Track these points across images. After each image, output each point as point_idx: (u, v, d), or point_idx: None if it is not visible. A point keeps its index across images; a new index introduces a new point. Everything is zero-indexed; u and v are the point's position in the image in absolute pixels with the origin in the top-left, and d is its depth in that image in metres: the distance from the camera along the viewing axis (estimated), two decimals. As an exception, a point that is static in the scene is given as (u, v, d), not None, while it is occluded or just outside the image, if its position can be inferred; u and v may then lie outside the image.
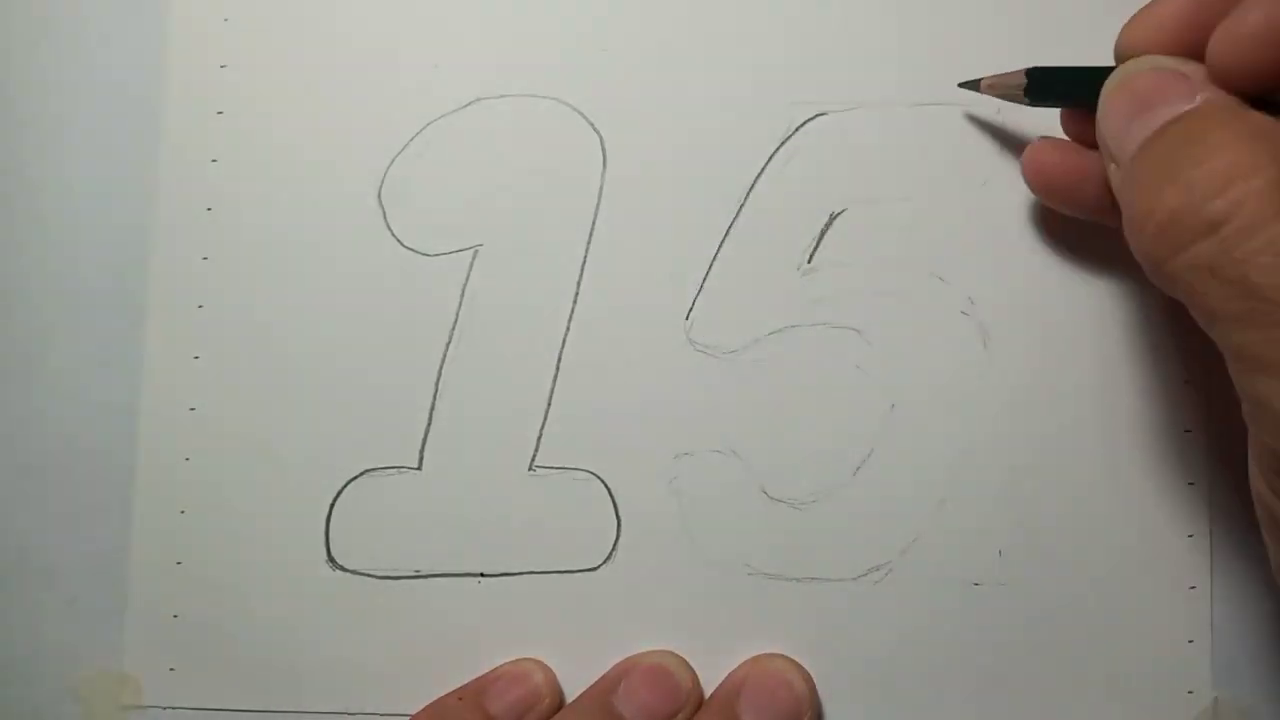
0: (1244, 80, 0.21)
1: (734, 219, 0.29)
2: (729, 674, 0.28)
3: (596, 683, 0.28)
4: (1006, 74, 0.26)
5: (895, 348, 0.28)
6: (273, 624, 0.29)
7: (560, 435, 0.29)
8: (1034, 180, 0.27)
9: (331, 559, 0.29)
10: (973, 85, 0.27)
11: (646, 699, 0.27)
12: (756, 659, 0.28)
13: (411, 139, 0.30)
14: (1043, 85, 0.25)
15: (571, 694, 0.28)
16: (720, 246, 0.29)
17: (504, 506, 0.29)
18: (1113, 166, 0.23)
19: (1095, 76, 0.24)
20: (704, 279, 0.29)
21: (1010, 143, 0.29)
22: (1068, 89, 0.25)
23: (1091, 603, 0.28)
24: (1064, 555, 0.28)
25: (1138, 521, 0.28)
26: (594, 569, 0.28)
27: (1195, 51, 0.22)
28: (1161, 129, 0.21)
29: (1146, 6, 0.24)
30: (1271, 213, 0.19)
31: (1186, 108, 0.21)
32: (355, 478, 0.29)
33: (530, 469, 0.29)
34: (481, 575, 0.29)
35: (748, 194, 0.29)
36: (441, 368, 0.29)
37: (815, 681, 0.27)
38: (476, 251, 0.30)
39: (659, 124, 0.29)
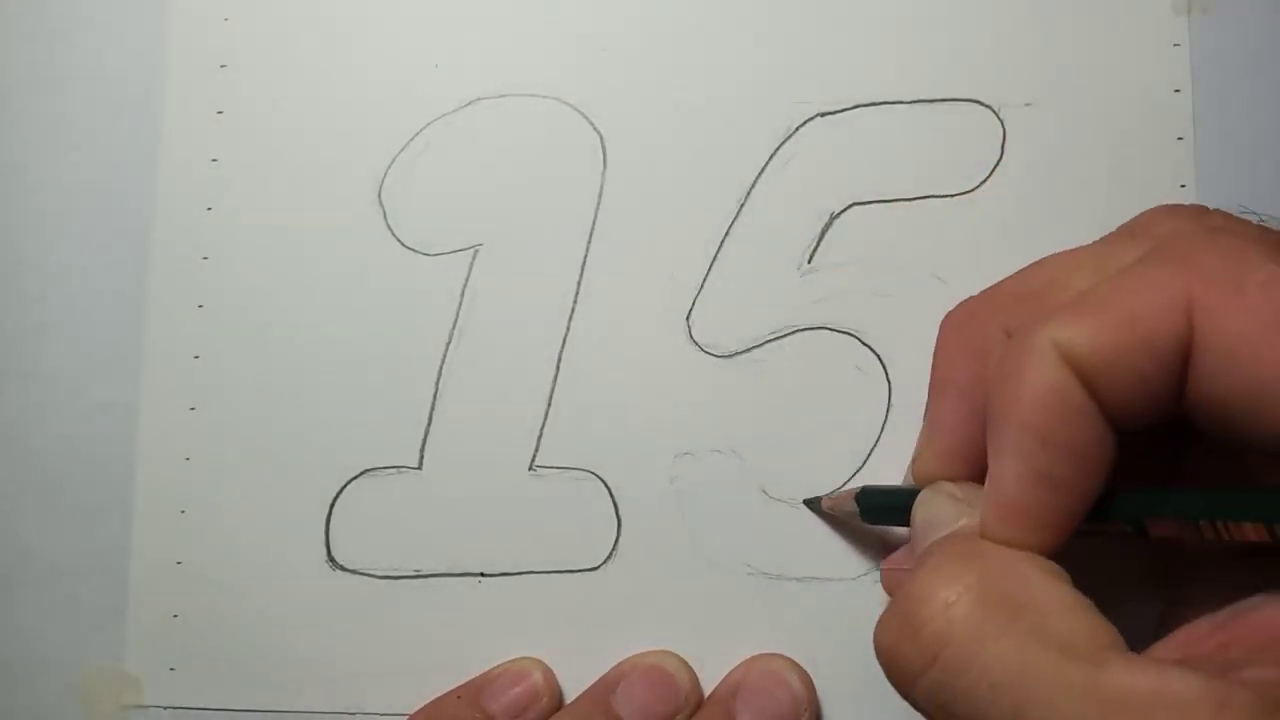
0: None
1: (734, 219, 0.29)
2: (727, 674, 0.28)
3: (596, 683, 0.28)
4: (841, 495, 0.27)
5: (895, 348, 0.28)
6: (273, 624, 0.29)
7: (560, 435, 0.29)
8: (891, 591, 0.26)
9: (331, 559, 0.29)
10: (814, 504, 0.28)
11: (645, 699, 0.27)
12: (755, 659, 0.28)
13: (411, 139, 0.30)
14: (871, 506, 0.26)
15: (571, 694, 0.28)
16: (720, 246, 0.29)
17: (504, 506, 0.29)
18: None
19: (912, 499, 0.24)
20: (704, 279, 0.29)
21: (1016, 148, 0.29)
22: (893, 513, 0.25)
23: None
24: (1062, 555, 0.28)
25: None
26: (594, 569, 0.28)
27: (983, 462, 0.23)
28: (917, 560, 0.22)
29: (922, 441, 0.24)
30: (979, 640, 0.19)
31: (940, 534, 0.22)
32: (355, 478, 0.29)
33: (530, 469, 0.29)
34: (481, 575, 0.29)
35: (748, 194, 0.29)
36: (441, 368, 0.29)
37: (814, 681, 0.27)
38: (476, 251, 0.29)
39: (659, 124, 0.29)
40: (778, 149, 0.29)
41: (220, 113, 0.30)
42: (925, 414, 0.25)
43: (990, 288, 0.24)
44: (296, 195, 0.30)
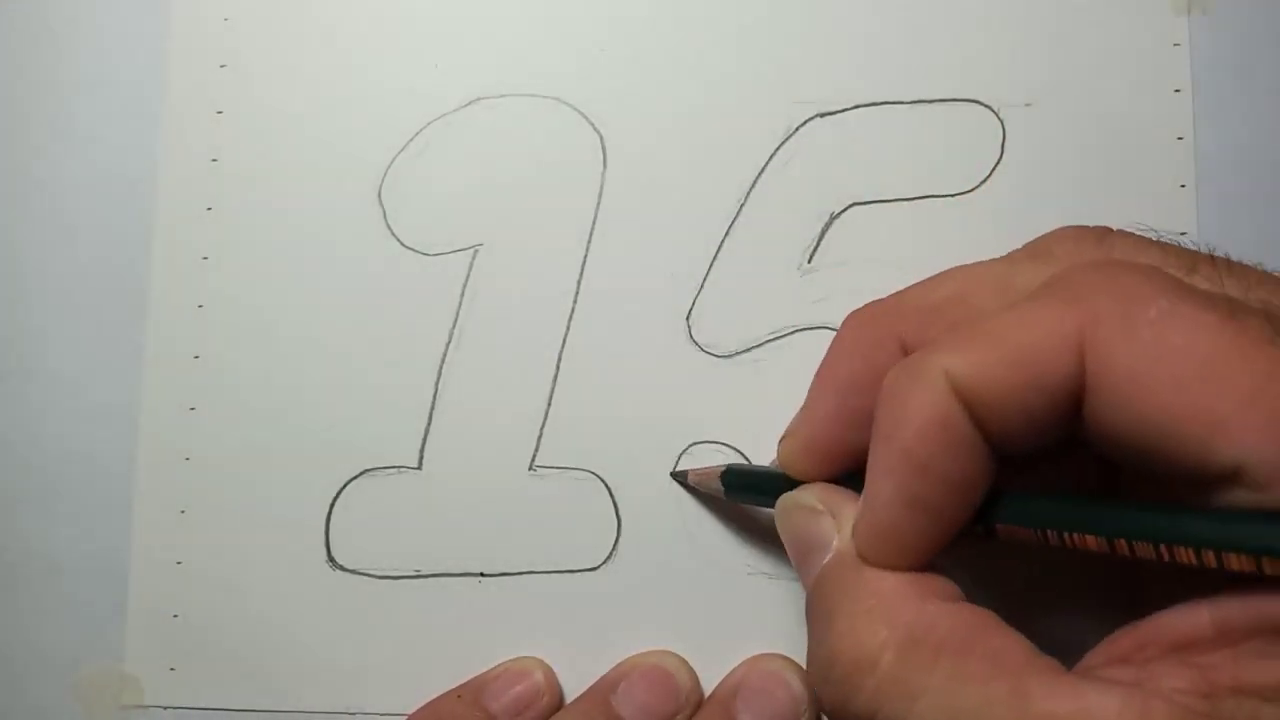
0: (825, 477, 0.24)
1: (734, 219, 0.29)
2: (727, 674, 0.28)
3: (596, 683, 0.28)
4: (708, 469, 0.27)
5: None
6: (273, 624, 0.29)
7: (560, 435, 0.29)
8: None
9: (331, 559, 0.29)
10: (681, 477, 0.28)
11: (645, 699, 0.27)
12: (754, 659, 0.28)
13: (411, 138, 0.30)
14: (736, 484, 0.26)
15: (571, 694, 0.28)
16: (720, 246, 0.29)
17: (504, 506, 0.29)
18: None
19: (776, 482, 0.25)
20: (704, 279, 0.29)
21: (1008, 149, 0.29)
22: (757, 494, 0.26)
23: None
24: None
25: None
26: (594, 569, 0.28)
27: (848, 461, 0.23)
28: (810, 595, 0.22)
29: (795, 425, 0.25)
30: (908, 698, 0.19)
31: (825, 559, 0.22)
32: (355, 478, 0.29)
33: (530, 469, 0.29)
34: (481, 575, 0.29)
35: (748, 194, 0.29)
36: (441, 368, 0.29)
37: (815, 682, 0.27)
38: (476, 251, 0.29)
39: (659, 124, 0.29)
40: (778, 149, 0.29)
41: (220, 113, 0.30)
42: (808, 396, 0.25)
43: (895, 294, 0.24)
44: (296, 195, 0.30)
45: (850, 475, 0.23)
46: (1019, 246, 0.24)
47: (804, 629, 0.28)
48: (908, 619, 0.20)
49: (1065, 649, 0.20)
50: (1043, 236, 0.23)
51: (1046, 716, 0.18)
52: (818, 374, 0.25)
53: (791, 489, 0.24)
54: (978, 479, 0.20)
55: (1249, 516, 0.18)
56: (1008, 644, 0.19)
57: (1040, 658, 0.19)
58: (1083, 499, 0.20)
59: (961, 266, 0.24)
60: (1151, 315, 0.19)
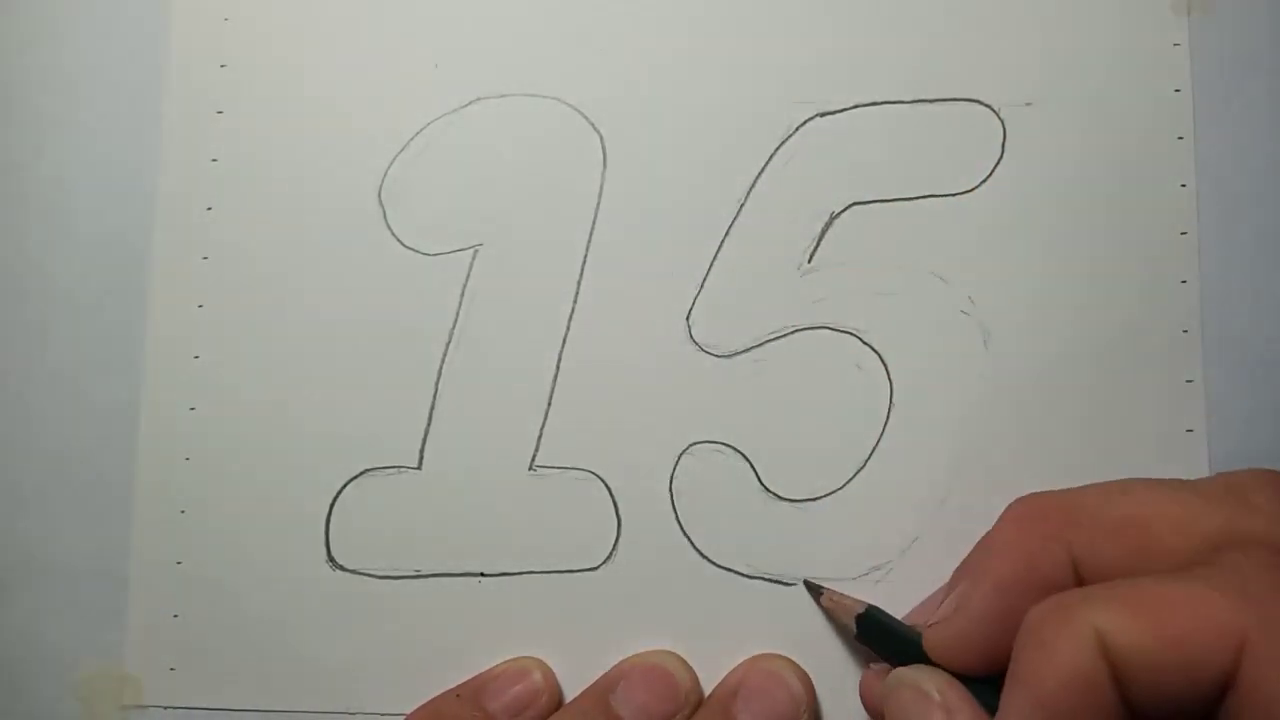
0: (966, 671, 0.23)
1: (734, 219, 0.29)
2: (727, 674, 0.28)
3: (595, 682, 0.28)
4: (846, 598, 0.27)
5: (895, 348, 0.28)
6: (273, 624, 0.29)
7: (560, 435, 0.29)
8: (869, 707, 0.27)
9: (331, 559, 0.29)
10: (815, 589, 0.28)
11: (645, 699, 0.27)
12: (754, 659, 0.28)
13: (411, 139, 0.30)
14: (870, 628, 0.26)
15: (571, 694, 0.28)
16: (720, 246, 0.29)
17: (504, 506, 0.29)
18: None
19: (908, 650, 0.25)
20: (704, 279, 0.29)
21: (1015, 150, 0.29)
22: (886, 647, 0.26)
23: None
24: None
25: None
26: (594, 569, 0.28)
27: (990, 666, 0.23)
28: None
29: (949, 612, 0.24)
30: None
31: None
32: (355, 477, 0.29)
33: (530, 469, 0.29)
34: (481, 575, 0.29)
35: (748, 194, 0.29)
36: (441, 368, 0.29)
37: (814, 681, 0.27)
38: (476, 251, 0.30)
39: (659, 124, 0.29)
40: (778, 149, 0.29)
41: (220, 113, 0.30)
42: (962, 585, 0.24)
43: (1069, 493, 0.24)
44: (296, 195, 0.30)
45: (997, 673, 0.23)
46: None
47: (804, 629, 0.28)
48: None
49: None
50: (1240, 474, 0.23)
51: None
52: (976, 560, 0.25)
53: (917, 657, 0.24)
54: None
55: None
56: None
57: None
58: None
59: (1145, 482, 0.24)
60: None
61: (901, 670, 0.24)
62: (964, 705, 0.23)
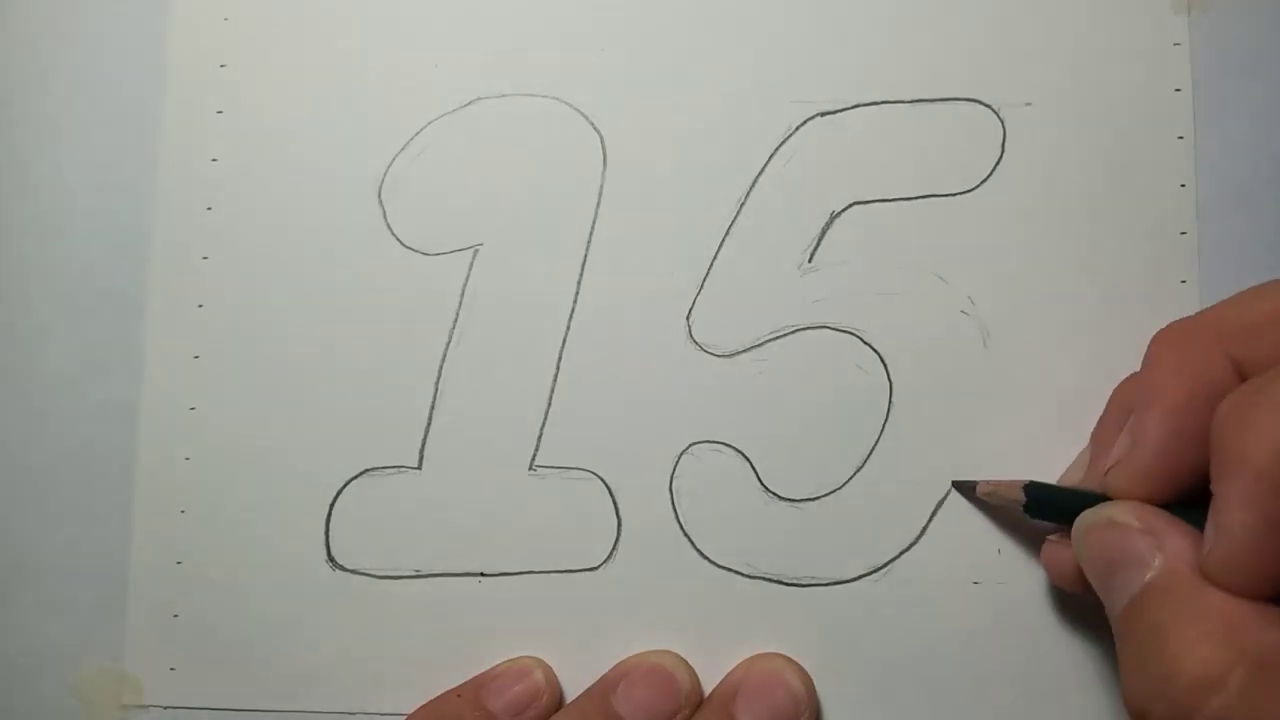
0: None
1: (734, 219, 0.29)
2: (727, 674, 0.28)
3: (596, 682, 0.28)
4: (1004, 482, 0.26)
5: (895, 348, 0.28)
6: (273, 624, 0.29)
7: (560, 435, 0.29)
8: (1056, 577, 0.26)
9: (331, 559, 0.29)
10: (965, 487, 0.28)
11: (645, 699, 0.27)
12: (754, 659, 0.28)
13: (411, 139, 0.30)
14: (1040, 501, 0.25)
15: (571, 694, 0.28)
16: (720, 246, 0.29)
17: (504, 506, 0.29)
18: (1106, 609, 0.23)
19: (1087, 501, 0.24)
20: (704, 279, 0.29)
21: (1014, 151, 0.29)
22: (1060, 513, 0.25)
23: (1091, 602, 0.28)
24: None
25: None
26: (594, 569, 0.28)
27: (1184, 482, 0.23)
28: (1131, 612, 0.22)
29: (1125, 450, 0.24)
30: (1254, 718, 0.19)
31: (1148, 575, 0.22)
32: (355, 477, 0.29)
33: (530, 469, 0.29)
34: (481, 575, 0.29)
35: (748, 194, 0.29)
36: (441, 368, 0.29)
37: (814, 681, 0.27)
38: (476, 251, 0.30)
39: (659, 124, 0.29)
40: (778, 149, 0.29)
41: (220, 113, 0.30)
42: (1133, 420, 0.24)
43: (1208, 311, 0.24)
44: (296, 195, 0.30)
45: (1180, 499, 0.23)
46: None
47: (804, 629, 0.28)
48: (1256, 644, 0.20)
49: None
50: None
51: None
52: (1140, 397, 0.24)
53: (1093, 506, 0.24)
54: None
55: None
56: None
57: None
58: None
59: (1275, 282, 0.23)
60: None
61: (1088, 512, 0.24)
62: (1164, 522, 0.22)
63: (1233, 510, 0.20)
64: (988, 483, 0.27)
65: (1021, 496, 0.25)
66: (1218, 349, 0.23)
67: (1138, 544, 0.22)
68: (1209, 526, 0.21)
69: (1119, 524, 0.23)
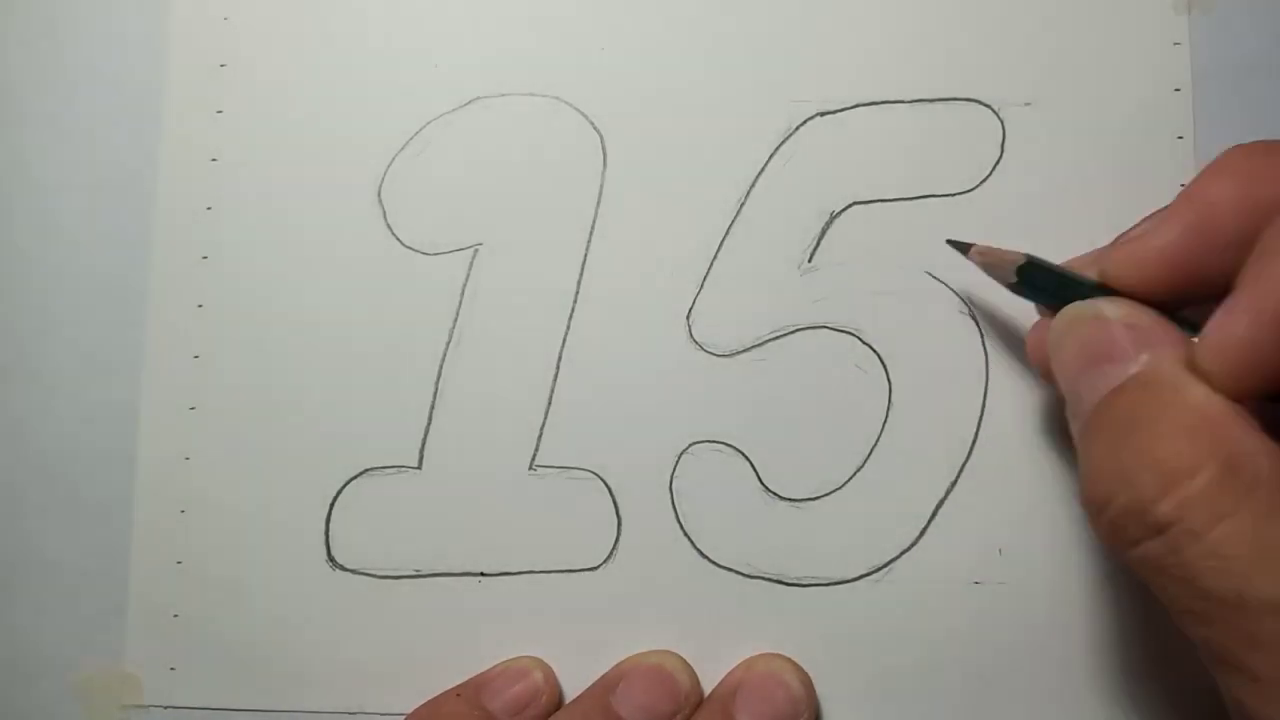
0: (1148, 299, 0.22)
1: (734, 219, 0.29)
2: (727, 674, 0.28)
3: (596, 683, 0.28)
4: (1001, 250, 0.25)
5: (895, 348, 0.28)
6: (273, 624, 0.29)
7: (560, 435, 0.29)
8: (1037, 362, 0.26)
9: (331, 559, 0.29)
10: (962, 246, 0.26)
11: (645, 699, 0.27)
12: (753, 659, 0.28)
13: (411, 138, 0.30)
14: (1030, 279, 0.24)
15: (571, 693, 0.28)
16: (720, 246, 0.29)
17: (504, 506, 0.29)
18: (1069, 410, 0.23)
19: (1079, 290, 0.23)
20: (704, 279, 0.29)
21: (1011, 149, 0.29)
22: (1052, 293, 0.24)
23: (1092, 602, 0.28)
24: (1064, 555, 0.28)
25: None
26: (594, 569, 0.28)
27: (1176, 291, 0.22)
28: (1108, 402, 0.21)
29: (1139, 231, 0.23)
30: (1214, 516, 0.19)
31: (1132, 370, 0.21)
32: (355, 477, 0.29)
33: (530, 469, 0.29)
34: (481, 575, 0.29)
35: (748, 194, 0.29)
36: (441, 368, 0.29)
37: (814, 682, 0.27)
38: (476, 251, 0.30)
39: (659, 124, 0.29)
40: (778, 148, 0.29)
41: (220, 112, 0.30)
42: (1163, 209, 0.23)
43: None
44: (296, 195, 0.30)
45: (1178, 304, 0.22)
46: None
47: (804, 630, 0.28)
48: (1231, 444, 0.19)
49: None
50: None
51: None
52: (1183, 193, 0.23)
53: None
54: None
55: None
56: None
57: None
58: None
59: None
60: None
61: (1076, 304, 0.23)
62: (1160, 326, 0.21)
63: (1250, 295, 0.19)
64: (983, 249, 0.25)
65: (1012, 276, 0.24)
66: None
67: (1123, 340, 0.21)
68: (1211, 320, 0.20)
69: (1106, 319, 0.22)
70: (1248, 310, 0.20)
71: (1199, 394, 0.20)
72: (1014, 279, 0.24)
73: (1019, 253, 0.25)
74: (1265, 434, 0.20)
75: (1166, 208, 0.23)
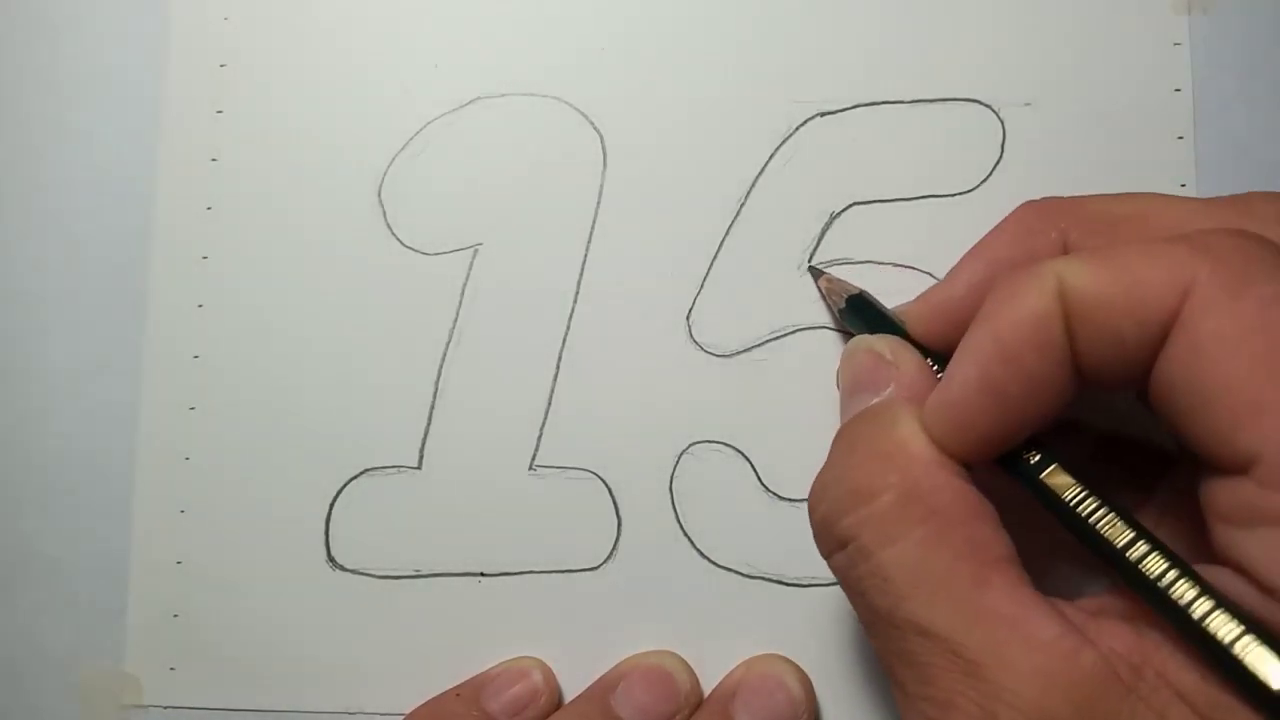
0: (944, 348, 0.23)
1: (734, 219, 0.29)
2: (726, 675, 0.28)
3: (595, 683, 0.28)
4: (846, 283, 0.28)
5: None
6: (273, 624, 0.29)
7: (560, 435, 0.29)
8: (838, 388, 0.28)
9: (331, 559, 0.29)
10: (816, 272, 0.28)
11: (644, 700, 0.27)
12: (753, 660, 0.28)
13: (411, 138, 0.30)
14: (855, 311, 0.27)
15: (570, 694, 0.28)
16: (720, 246, 0.29)
17: (504, 506, 0.29)
18: None
19: (889, 329, 0.25)
20: (704, 279, 0.29)
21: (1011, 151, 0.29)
22: (870, 328, 0.26)
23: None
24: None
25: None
26: (594, 569, 0.28)
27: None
28: (846, 424, 0.23)
29: (932, 289, 0.25)
30: (885, 539, 0.20)
31: (873, 401, 0.23)
32: (355, 477, 0.29)
33: (530, 469, 0.29)
34: (481, 575, 0.29)
35: (748, 194, 0.29)
36: (441, 368, 0.29)
37: (813, 682, 0.27)
38: (476, 251, 0.30)
39: (659, 124, 0.29)
40: (778, 149, 0.29)
41: (220, 112, 0.30)
42: (956, 264, 0.25)
43: (1082, 197, 0.25)
44: (296, 195, 0.30)
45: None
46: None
47: (803, 630, 0.28)
48: (918, 475, 0.21)
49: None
50: (1254, 194, 0.23)
51: (990, 610, 0.19)
52: (973, 247, 0.25)
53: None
54: (1051, 390, 0.21)
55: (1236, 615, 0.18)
56: (993, 539, 0.20)
57: (1014, 566, 0.20)
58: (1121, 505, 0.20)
59: (1160, 194, 0.24)
60: (1265, 291, 0.19)
61: (860, 336, 0.25)
62: (917, 367, 0.23)
63: (963, 362, 0.21)
64: (831, 279, 0.28)
65: (843, 303, 0.27)
66: (1056, 225, 0.24)
67: (881, 373, 0.24)
68: (943, 375, 0.22)
69: (874, 352, 0.24)
70: (957, 379, 0.21)
71: (906, 430, 0.22)
72: (844, 306, 0.27)
73: (855, 286, 0.27)
74: (967, 482, 0.21)
75: (960, 261, 0.25)
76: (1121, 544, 0.20)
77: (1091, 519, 0.20)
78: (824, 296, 0.28)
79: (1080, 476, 0.21)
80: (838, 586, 0.28)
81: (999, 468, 0.22)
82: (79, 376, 0.30)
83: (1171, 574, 0.19)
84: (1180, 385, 0.19)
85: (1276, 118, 0.29)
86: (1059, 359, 0.20)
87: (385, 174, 0.30)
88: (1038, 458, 0.21)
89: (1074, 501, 0.20)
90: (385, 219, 0.30)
